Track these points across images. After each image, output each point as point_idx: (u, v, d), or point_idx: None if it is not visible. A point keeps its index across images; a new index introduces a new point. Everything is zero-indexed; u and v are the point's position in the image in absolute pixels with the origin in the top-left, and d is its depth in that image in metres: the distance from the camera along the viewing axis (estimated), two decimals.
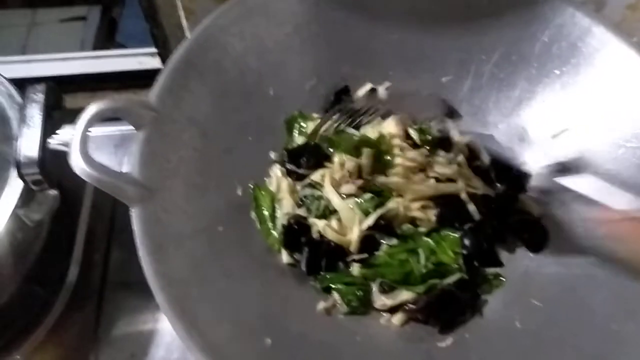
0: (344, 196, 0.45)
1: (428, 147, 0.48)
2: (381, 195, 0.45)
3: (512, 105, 0.51)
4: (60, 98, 0.49)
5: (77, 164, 0.35)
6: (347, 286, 0.43)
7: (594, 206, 0.43)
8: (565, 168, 0.46)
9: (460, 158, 0.48)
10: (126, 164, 0.61)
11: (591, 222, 0.43)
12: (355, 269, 0.44)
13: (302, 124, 0.50)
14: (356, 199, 0.45)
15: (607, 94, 0.46)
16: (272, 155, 0.49)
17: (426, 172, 0.47)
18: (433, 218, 0.45)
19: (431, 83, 0.53)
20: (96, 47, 1.05)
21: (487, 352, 0.40)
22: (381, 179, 0.47)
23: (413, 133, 0.49)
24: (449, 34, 0.51)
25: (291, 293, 0.43)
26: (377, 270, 0.43)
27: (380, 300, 0.42)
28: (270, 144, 0.49)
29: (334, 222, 0.44)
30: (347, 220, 0.44)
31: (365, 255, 0.44)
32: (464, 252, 0.44)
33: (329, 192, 0.45)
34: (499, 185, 0.49)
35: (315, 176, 0.47)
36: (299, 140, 0.50)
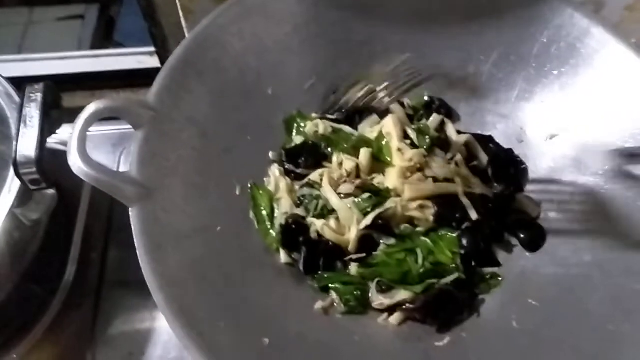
0: (342, 196, 0.45)
1: (426, 147, 0.48)
2: (379, 195, 0.45)
3: (510, 105, 0.51)
4: (59, 97, 0.49)
5: (76, 164, 0.35)
6: (345, 286, 0.43)
7: None
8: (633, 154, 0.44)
9: (458, 158, 0.48)
10: (124, 163, 0.62)
11: None
12: (353, 268, 0.44)
13: (301, 123, 0.50)
14: (354, 198, 0.45)
15: (605, 94, 0.46)
16: (271, 154, 0.49)
17: (424, 172, 0.47)
18: (431, 218, 0.45)
19: (429, 83, 0.53)
20: (94, 46, 1.05)
21: (485, 352, 0.41)
22: (379, 178, 0.47)
23: (411, 133, 0.49)
24: (448, 34, 0.51)
25: (289, 292, 0.43)
26: (375, 270, 0.43)
27: (378, 300, 0.42)
28: (269, 144, 0.49)
29: (332, 222, 0.44)
30: (345, 220, 0.44)
31: (363, 255, 0.44)
32: (462, 251, 0.44)
33: (327, 192, 0.45)
34: (496, 185, 0.49)
35: (314, 176, 0.47)
36: (297, 140, 0.50)
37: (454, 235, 0.44)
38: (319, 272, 0.44)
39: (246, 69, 0.48)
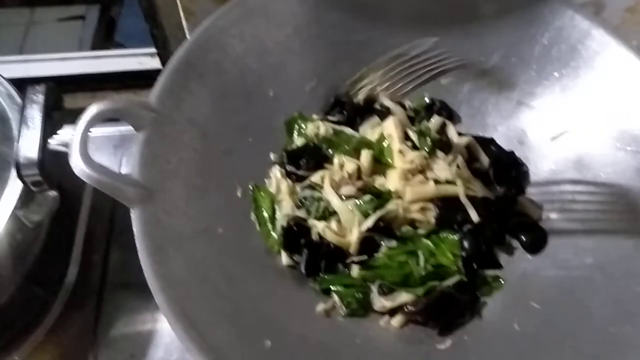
0: (344, 198, 0.45)
1: (427, 149, 0.48)
2: (380, 196, 0.45)
3: (511, 107, 0.51)
4: (60, 98, 0.49)
5: (77, 165, 0.35)
6: (346, 288, 0.43)
7: None
8: None
9: (460, 160, 0.48)
10: (125, 164, 0.62)
11: None
12: (355, 270, 0.44)
13: (302, 125, 0.50)
14: (356, 200, 0.45)
15: (606, 97, 0.46)
16: (272, 156, 0.49)
17: (425, 174, 0.47)
18: (432, 220, 0.45)
19: (430, 85, 0.53)
20: (95, 46, 1.05)
21: (486, 354, 0.41)
22: (380, 180, 0.47)
23: (412, 134, 0.49)
24: (449, 35, 0.51)
25: (291, 295, 0.43)
26: (377, 272, 0.43)
27: (380, 302, 0.42)
28: (270, 146, 0.49)
29: (333, 224, 0.44)
30: (347, 222, 0.44)
31: (364, 257, 0.44)
32: (463, 254, 0.44)
33: (329, 194, 0.45)
34: (498, 187, 0.49)
35: (315, 178, 0.47)
36: (298, 141, 0.50)
37: (455, 237, 0.44)
38: (321, 274, 0.44)
39: (247, 71, 0.48)
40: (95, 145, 0.58)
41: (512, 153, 0.50)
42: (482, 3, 0.50)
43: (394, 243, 0.44)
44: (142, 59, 0.71)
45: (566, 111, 0.48)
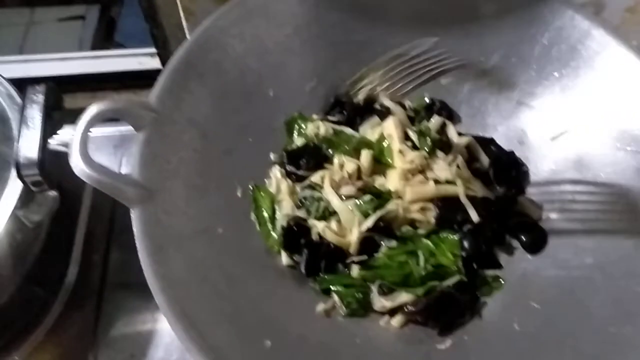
0: (344, 198, 0.45)
1: (427, 149, 0.48)
2: (380, 196, 0.45)
3: (511, 107, 0.51)
4: (60, 99, 0.49)
5: (77, 165, 0.35)
6: (346, 288, 0.43)
7: None
8: None
9: (460, 160, 0.48)
10: (125, 164, 0.62)
11: None
12: (355, 270, 0.44)
13: (302, 125, 0.50)
14: (356, 200, 0.45)
15: (606, 97, 0.46)
16: (272, 156, 0.49)
17: (425, 174, 0.47)
18: (432, 220, 0.45)
19: (430, 85, 0.53)
20: (95, 46, 1.05)
21: (486, 354, 0.41)
22: (380, 180, 0.47)
23: (412, 134, 0.49)
24: (449, 35, 0.51)
25: (291, 295, 0.43)
26: (377, 272, 0.43)
27: (380, 302, 0.42)
28: (270, 146, 0.49)
29: (333, 224, 0.44)
30: (347, 222, 0.44)
31: (364, 257, 0.44)
32: (463, 254, 0.44)
33: (329, 194, 0.45)
34: (497, 187, 0.49)
35: (315, 178, 0.47)
36: (298, 141, 0.50)
37: (455, 237, 0.44)
38: (321, 274, 0.44)
39: (247, 71, 0.48)
40: (95, 145, 0.58)
41: (512, 153, 0.50)
42: (482, 3, 0.50)
43: (394, 243, 0.44)
44: (142, 59, 0.71)
45: (566, 111, 0.48)
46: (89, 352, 0.51)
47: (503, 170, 0.49)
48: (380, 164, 0.48)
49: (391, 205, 0.44)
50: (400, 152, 0.47)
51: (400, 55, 0.51)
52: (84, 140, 0.36)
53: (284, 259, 0.44)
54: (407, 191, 0.45)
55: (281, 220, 0.45)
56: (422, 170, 0.47)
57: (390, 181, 0.46)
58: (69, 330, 0.52)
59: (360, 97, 0.53)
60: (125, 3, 1.10)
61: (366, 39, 0.51)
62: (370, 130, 0.51)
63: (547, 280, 0.43)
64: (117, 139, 0.64)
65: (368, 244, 0.44)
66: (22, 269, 0.49)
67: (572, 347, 0.39)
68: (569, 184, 0.47)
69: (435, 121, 0.51)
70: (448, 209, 0.45)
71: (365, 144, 0.49)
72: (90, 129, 0.36)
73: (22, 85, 0.49)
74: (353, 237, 0.44)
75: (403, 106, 0.52)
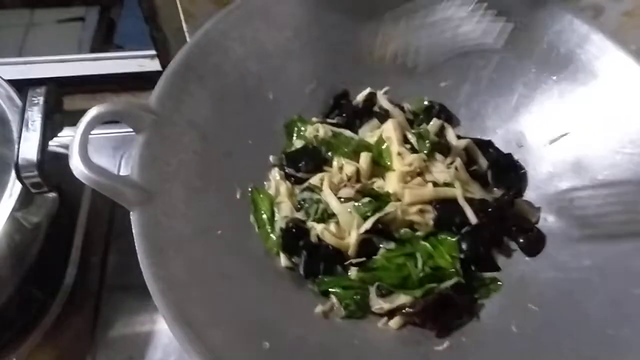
0: (342, 200, 0.45)
1: (426, 152, 0.48)
2: (379, 199, 0.45)
3: (510, 110, 0.51)
4: (61, 101, 0.49)
5: (77, 167, 0.35)
6: (345, 290, 0.43)
7: None
8: None
9: (458, 162, 0.48)
10: (125, 166, 0.62)
11: None
12: (353, 272, 0.44)
13: (301, 127, 0.50)
14: (354, 202, 0.45)
15: (604, 100, 0.46)
16: (271, 159, 0.49)
17: (424, 177, 0.47)
18: (431, 222, 0.45)
19: (430, 88, 0.53)
20: (94, 48, 1.05)
21: (484, 356, 0.41)
22: (379, 182, 0.47)
23: (411, 137, 0.49)
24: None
25: (289, 296, 0.43)
26: (375, 274, 0.44)
27: (378, 304, 0.43)
28: (270, 148, 0.49)
29: (332, 226, 0.45)
30: (345, 224, 0.45)
31: (363, 259, 0.44)
32: (461, 256, 0.44)
33: (328, 196, 0.45)
34: (496, 189, 0.49)
35: (314, 180, 0.47)
36: (298, 144, 0.50)
37: (453, 239, 0.44)
38: (319, 276, 0.44)
39: (247, 74, 0.48)
40: (95, 147, 0.58)
41: (510, 155, 0.50)
42: None
43: (392, 245, 0.44)
44: (141, 61, 0.71)
45: (565, 114, 0.48)
46: (87, 353, 0.51)
47: (501, 172, 0.49)
48: (379, 167, 0.48)
49: (390, 208, 0.44)
50: (399, 154, 0.47)
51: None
52: (84, 142, 0.36)
53: (283, 260, 0.44)
54: (406, 193, 0.45)
55: (280, 222, 0.45)
56: (421, 172, 0.47)
57: (389, 183, 0.46)
58: (67, 332, 0.52)
59: (359, 99, 0.53)
60: (125, 5, 1.10)
61: (366, 40, 0.51)
62: (369, 132, 0.51)
63: (545, 282, 0.43)
64: (116, 140, 0.64)
65: (366, 246, 0.44)
66: (21, 270, 0.49)
67: (570, 349, 0.39)
68: (567, 186, 0.47)
69: (434, 124, 0.51)
70: (446, 211, 0.45)
71: (364, 146, 0.49)
72: (90, 131, 0.36)
73: (21, 86, 0.49)
74: (352, 239, 0.44)
75: (402, 109, 0.53)
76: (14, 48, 1.07)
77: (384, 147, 0.49)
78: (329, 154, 0.49)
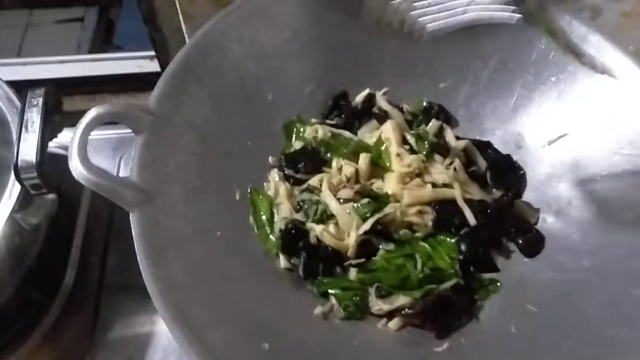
0: (342, 201, 0.45)
1: (425, 153, 0.48)
2: (378, 200, 0.45)
3: (509, 111, 0.51)
4: (60, 102, 0.49)
5: (76, 169, 0.35)
6: (344, 291, 0.43)
7: None
8: None
9: (457, 163, 0.48)
10: (124, 167, 0.62)
11: None
12: (353, 273, 0.44)
13: (300, 128, 0.50)
14: (353, 203, 0.45)
15: (602, 101, 0.46)
16: (271, 160, 0.49)
17: (423, 178, 0.47)
18: (430, 223, 0.45)
19: (429, 89, 0.53)
20: (93, 49, 1.06)
21: (483, 357, 0.41)
22: (378, 183, 0.47)
23: (410, 138, 0.49)
24: (447, 38, 0.51)
25: (289, 298, 0.43)
26: (374, 275, 0.44)
27: (377, 305, 0.43)
28: (269, 149, 0.49)
29: (331, 227, 0.45)
30: (345, 225, 0.45)
31: (362, 260, 0.44)
32: (460, 257, 0.44)
33: (327, 197, 0.45)
34: (495, 190, 0.49)
35: (313, 181, 0.47)
36: (297, 145, 0.50)
37: (452, 240, 0.44)
38: (319, 277, 0.44)
39: (246, 74, 0.48)
40: (94, 148, 0.58)
41: (508, 156, 0.50)
42: None
43: (391, 246, 0.44)
44: (141, 62, 0.71)
45: (563, 115, 0.48)
46: (87, 354, 0.51)
47: (500, 173, 0.49)
48: (378, 168, 0.48)
49: (389, 209, 0.44)
50: (398, 155, 0.47)
51: None
52: (83, 143, 0.36)
53: (282, 261, 0.44)
54: (405, 194, 0.45)
55: (279, 223, 0.45)
56: (420, 173, 0.47)
57: (388, 184, 0.46)
58: (66, 333, 0.52)
59: (358, 99, 0.53)
60: (124, 5, 1.10)
61: (365, 43, 0.51)
62: (368, 133, 0.51)
63: (544, 283, 0.43)
64: (116, 141, 0.64)
65: (366, 247, 0.44)
66: (20, 271, 0.49)
67: (570, 349, 0.39)
68: (565, 187, 0.47)
69: (432, 125, 0.51)
70: (445, 212, 0.45)
71: (364, 147, 0.49)
72: (90, 133, 0.36)
73: (20, 88, 0.49)
74: (351, 240, 0.44)
75: (401, 110, 0.53)
76: (13, 49, 1.07)
77: (383, 148, 0.49)
78: (328, 155, 0.49)
